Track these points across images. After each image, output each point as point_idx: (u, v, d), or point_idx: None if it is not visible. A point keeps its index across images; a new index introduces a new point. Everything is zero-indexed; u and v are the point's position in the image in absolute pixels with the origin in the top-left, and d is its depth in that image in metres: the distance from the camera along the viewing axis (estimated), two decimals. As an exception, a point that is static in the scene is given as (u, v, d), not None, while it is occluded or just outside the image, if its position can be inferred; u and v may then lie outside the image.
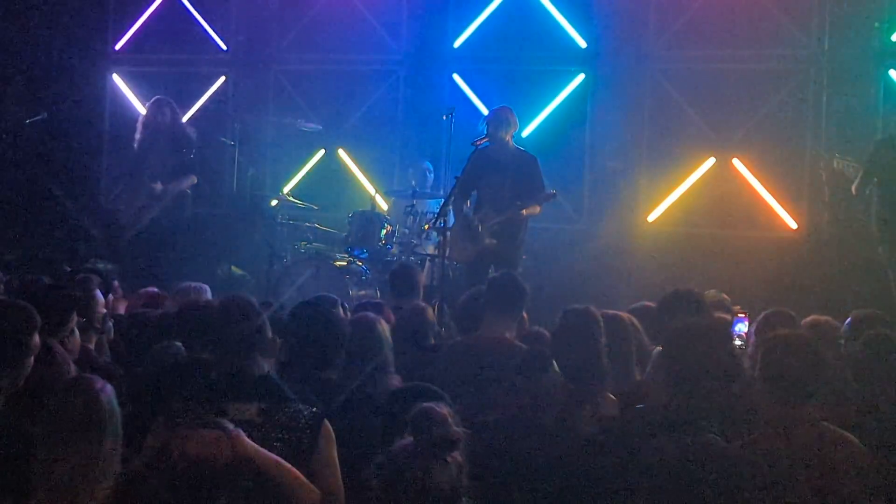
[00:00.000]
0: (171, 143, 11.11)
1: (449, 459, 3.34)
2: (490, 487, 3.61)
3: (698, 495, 3.87)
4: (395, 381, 5.55)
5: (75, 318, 5.66)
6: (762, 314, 6.48)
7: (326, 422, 4.38)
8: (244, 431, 4.01)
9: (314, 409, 4.39)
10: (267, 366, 4.55)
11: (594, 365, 5.27)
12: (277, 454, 4.13)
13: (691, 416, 4.22)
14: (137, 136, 11.32)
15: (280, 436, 4.26)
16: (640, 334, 6.11)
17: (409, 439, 3.44)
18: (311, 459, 4.26)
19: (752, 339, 6.25)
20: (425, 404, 3.47)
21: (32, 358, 4.81)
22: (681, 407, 4.29)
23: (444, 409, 3.47)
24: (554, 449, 4.67)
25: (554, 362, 5.31)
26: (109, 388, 3.94)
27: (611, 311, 6.12)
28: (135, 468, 3.51)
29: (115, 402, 3.93)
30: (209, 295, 7.14)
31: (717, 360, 4.41)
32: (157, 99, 11.48)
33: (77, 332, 5.71)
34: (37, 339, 4.81)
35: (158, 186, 10.95)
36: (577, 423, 4.92)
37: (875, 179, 9.98)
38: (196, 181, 11.32)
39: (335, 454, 4.37)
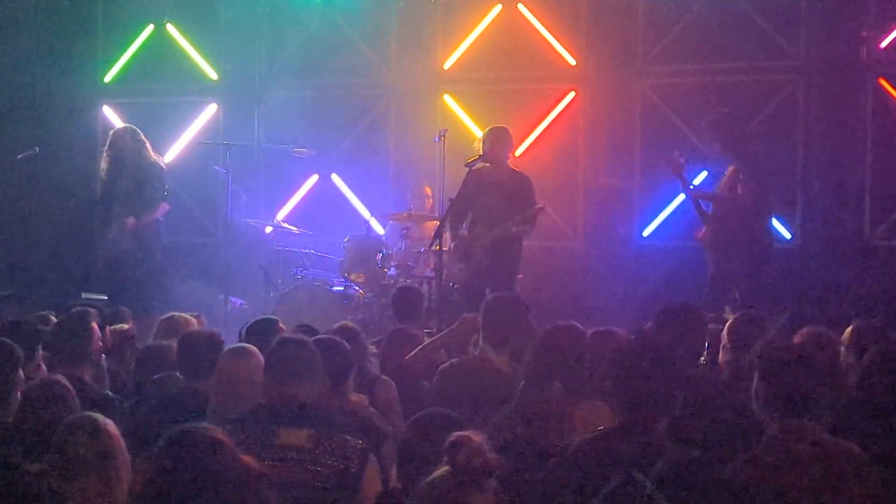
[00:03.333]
0: (138, 172, 10.88)
1: (486, 487, 3.33)
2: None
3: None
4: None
5: (40, 352, 5.81)
6: (730, 319, 6.47)
7: (372, 455, 4.55)
8: (295, 456, 4.37)
9: (360, 441, 4.55)
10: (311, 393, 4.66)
11: (576, 378, 5.28)
12: (326, 478, 4.37)
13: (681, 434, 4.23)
14: (103, 165, 11.15)
15: (330, 462, 4.43)
16: None
17: (445, 468, 3.42)
18: (358, 488, 4.43)
19: (725, 342, 6.23)
20: (460, 433, 3.46)
21: (19, 392, 4.94)
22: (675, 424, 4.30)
23: (479, 437, 3.46)
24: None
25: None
26: (112, 423, 3.96)
27: (602, 328, 6.13)
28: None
29: (119, 436, 3.95)
30: (196, 325, 7.09)
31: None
32: (121, 128, 11.32)
33: (43, 366, 5.82)
34: (21, 373, 4.92)
35: (131, 221, 10.78)
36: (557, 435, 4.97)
37: None
38: (168, 209, 11.16)
39: (379, 486, 4.53)
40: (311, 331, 6.28)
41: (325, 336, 5.57)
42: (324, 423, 4.54)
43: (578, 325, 5.68)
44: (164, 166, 11.25)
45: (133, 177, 10.85)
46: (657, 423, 4.48)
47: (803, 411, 4.52)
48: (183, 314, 7.31)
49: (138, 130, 11.15)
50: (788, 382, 4.51)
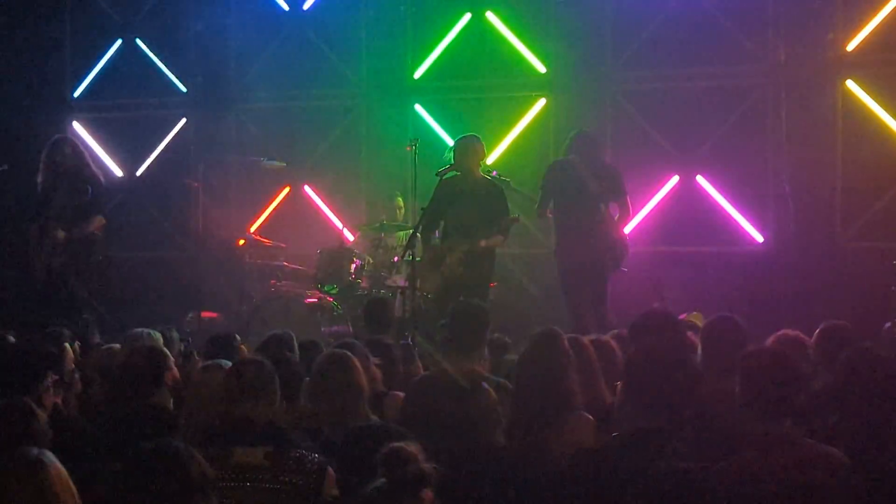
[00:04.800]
0: (74, 185, 10.41)
1: (422, 496, 3.32)
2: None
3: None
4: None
5: (51, 376, 5.68)
6: (705, 322, 6.47)
7: (330, 468, 4.52)
8: (252, 475, 4.33)
9: (317, 456, 4.53)
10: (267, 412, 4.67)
11: (559, 386, 5.26)
12: (285, 497, 4.34)
13: (658, 442, 4.21)
14: (39, 178, 10.62)
15: (288, 479, 4.42)
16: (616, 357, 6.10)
17: (381, 480, 3.42)
18: (318, 503, 4.41)
19: (699, 348, 6.23)
20: (395, 443, 3.46)
21: None
22: (648, 433, 4.28)
23: (413, 447, 3.45)
24: (523, 476, 4.66)
25: (485, 384, 5.36)
26: (49, 455, 3.81)
27: (571, 335, 6.12)
28: None
29: (60, 472, 3.80)
30: (161, 342, 7.03)
31: (675, 382, 4.42)
32: (58, 138, 10.84)
33: (52, 389, 5.70)
34: None
35: (61, 235, 10.31)
36: (543, 448, 4.92)
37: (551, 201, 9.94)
38: (104, 222, 10.63)
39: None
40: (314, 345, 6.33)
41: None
42: (280, 440, 4.54)
43: (561, 333, 5.66)
44: (103, 180, 10.78)
45: (69, 189, 10.40)
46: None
47: (784, 415, 4.53)
48: (148, 330, 7.26)
49: (76, 141, 10.83)
50: (769, 387, 4.52)
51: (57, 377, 5.82)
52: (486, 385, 5.63)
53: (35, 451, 3.77)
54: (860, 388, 5.20)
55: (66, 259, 10.34)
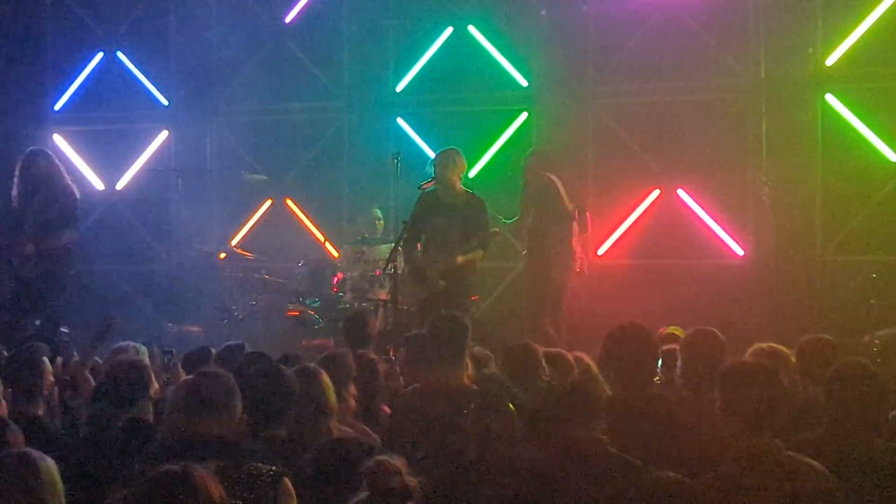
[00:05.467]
0: (47, 198, 10.25)
1: None
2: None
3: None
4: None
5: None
6: (685, 335, 6.50)
7: (286, 480, 4.45)
8: None
9: (273, 468, 4.47)
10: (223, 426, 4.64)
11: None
12: None
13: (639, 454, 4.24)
14: (14, 191, 10.47)
15: (240, 493, 4.34)
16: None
17: (363, 493, 3.41)
18: None
19: (680, 360, 6.25)
20: (379, 457, 3.45)
21: None
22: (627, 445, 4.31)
23: (397, 461, 3.45)
24: (510, 488, 4.67)
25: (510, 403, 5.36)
26: (51, 460, 3.87)
27: (553, 350, 6.16)
28: None
29: (56, 474, 3.86)
30: (143, 355, 7.01)
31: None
32: (31, 150, 10.66)
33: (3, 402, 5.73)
34: None
35: (29, 248, 10.12)
36: (531, 459, 4.93)
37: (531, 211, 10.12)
38: (77, 236, 10.52)
39: None
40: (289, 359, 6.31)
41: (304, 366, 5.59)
42: (232, 454, 4.50)
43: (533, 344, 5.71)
44: (77, 194, 10.52)
45: (42, 201, 10.25)
46: None
47: (765, 428, 4.54)
48: (133, 344, 7.24)
49: (51, 154, 10.65)
50: (750, 400, 4.54)
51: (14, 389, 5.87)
52: (475, 397, 5.65)
53: (38, 454, 3.82)
54: (849, 401, 5.23)
55: (38, 272, 10.22)
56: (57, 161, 10.53)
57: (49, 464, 3.86)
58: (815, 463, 4.57)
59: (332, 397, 5.45)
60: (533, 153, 10.59)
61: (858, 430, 5.15)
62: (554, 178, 10.14)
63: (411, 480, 3.37)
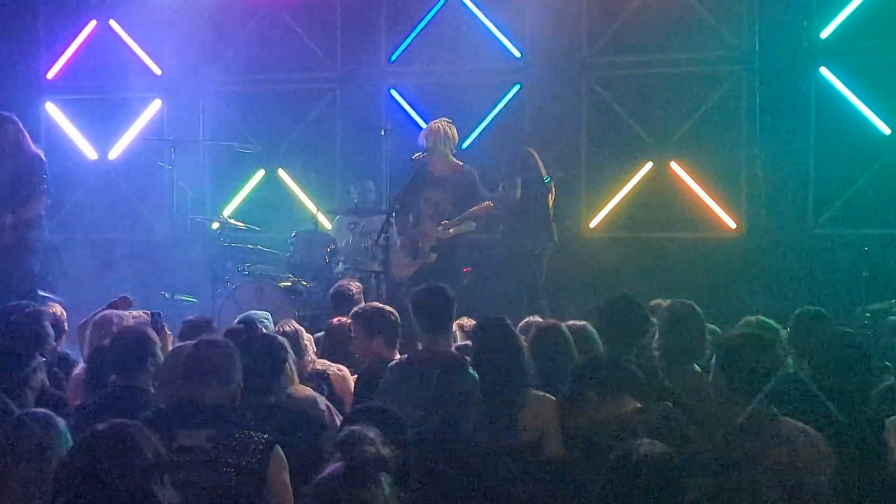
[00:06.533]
0: (16, 165, 10.13)
1: (381, 481, 3.32)
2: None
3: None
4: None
5: (38, 357, 5.72)
6: (662, 307, 6.53)
7: (278, 447, 4.53)
8: (195, 458, 4.30)
9: (265, 436, 4.52)
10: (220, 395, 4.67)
11: (516, 366, 5.32)
12: (228, 479, 4.35)
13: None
14: None
15: (230, 460, 4.42)
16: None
17: (339, 463, 3.41)
18: (263, 484, 4.42)
19: (656, 331, 6.29)
20: (352, 427, 3.46)
21: None
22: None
23: (371, 431, 3.45)
24: (482, 458, 4.71)
25: (469, 368, 5.42)
26: (62, 420, 3.97)
27: (548, 321, 6.19)
28: None
29: (68, 434, 3.96)
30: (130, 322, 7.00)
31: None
32: None
33: (38, 370, 5.73)
34: None
35: (9, 219, 10.01)
36: (502, 428, 5.00)
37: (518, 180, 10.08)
38: (49, 202, 10.43)
39: (287, 479, 4.52)
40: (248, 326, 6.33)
41: (260, 333, 5.63)
42: (224, 422, 4.54)
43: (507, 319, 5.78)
44: (44, 158, 10.38)
45: (11, 169, 10.12)
46: None
47: (757, 395, 4.63)
48: (121, 312, 7.24)
49: (17, 119, 10.37)
50: (747, 369, 4.63)
51: (43, 358, 5.87)
52: (469, 368, 5.67)
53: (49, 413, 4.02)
54: (832, 370, 5.28)
55: (13, 241, 10.16)
56: (23, 127, 10.36)
57: (60, 423, 3.97)
58: (810, 428, 4.63)
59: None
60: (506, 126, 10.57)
61: (843, 400, 5.21)
62: (532, 150, 10.14)
63: (385, 449, 3.37)
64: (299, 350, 6.33)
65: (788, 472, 4.45)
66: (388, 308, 6.65)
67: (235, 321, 7.13)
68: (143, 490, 3.27)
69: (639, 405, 5.02)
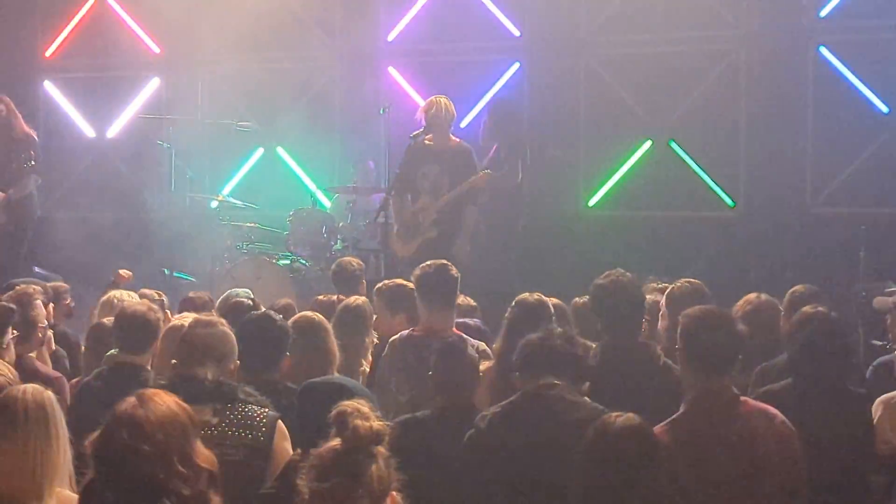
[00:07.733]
0: (9, 144, 10.32)
1: (375, 453, 3.34)
2: (418, 479, 3.61)
3: (623, 477, 3.90)
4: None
5: (11, 331, 5.73)
6: (670, 288, 6.54)
7: (281, 422, 4.59)
8: (202, 432, 4.15)
9: (268, 411, 4.57)
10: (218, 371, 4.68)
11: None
12: (235, 452, 4.37)
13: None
14: None
15: (236, 433, 4.46)
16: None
17: (335, 440, 3.43)
18: (269, 458, 4.47)
19: (664, 311, 6.31)
20: (346, 401, 3.47)
21: None
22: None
23: (365, 405, 3.46)
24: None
25: (469, 347, 5.46)
26: (51, 393, 4.00)
27: (553, 300, 6.20)
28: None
29: (56, 404, 3.97)
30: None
31: None
32: None
33: (12, 346, 5.74)
34: None
35: (2, 196, 10.23)
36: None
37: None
38: (40, 181, 10.64)
39: (291, 452, 4.55)
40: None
41: (260, 312, 5.65)
42: (226, 397, 4.56)
43: None
44: (36, 138, 10.60)
45: (5, 149, 10.29)
46: None
47: (723, 372, 4.65)
48: (123, 292, 7.26)
49: (8, 99, 10.56)
50: (707, 345, 4.63)
51: (17, 333, 5.87)
52: (470, 346, 5.70)
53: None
54: (813, 351, 5.30)
55: (7, 219, 10.26)
56: (14, 107, 10.46)
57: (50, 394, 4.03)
58: (771, 408, 4.67)
59: (333, 344, 5.62)
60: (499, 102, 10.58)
61: (821, 379, 5.23)
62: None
63: (380, 424, 3.39)
64: None
65: (741, 450, 4.48)
66: (410, 285, 6.61)
67: (217, 302, 7.13)
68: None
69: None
